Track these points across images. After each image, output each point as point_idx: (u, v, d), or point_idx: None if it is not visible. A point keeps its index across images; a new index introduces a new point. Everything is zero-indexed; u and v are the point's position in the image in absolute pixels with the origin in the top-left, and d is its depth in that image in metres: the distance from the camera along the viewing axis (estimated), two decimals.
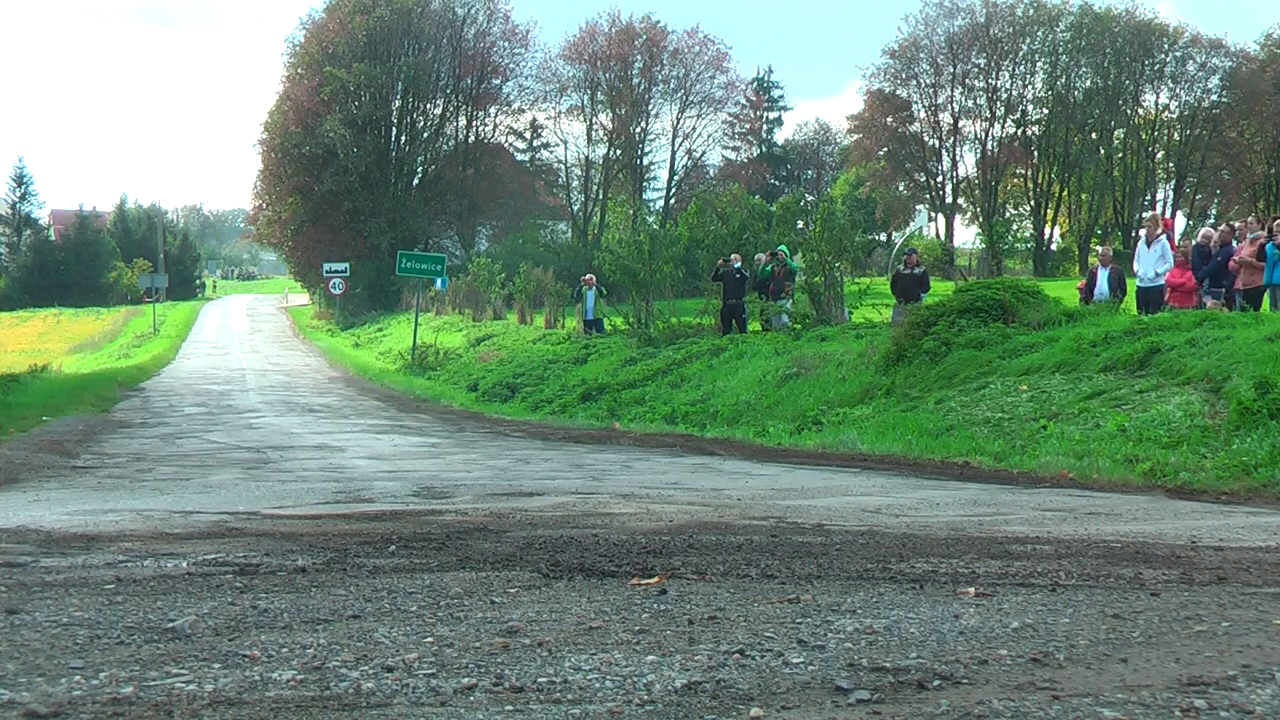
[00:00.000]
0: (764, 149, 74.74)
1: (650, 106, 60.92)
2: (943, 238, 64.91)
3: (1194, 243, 18.10)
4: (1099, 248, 24.02)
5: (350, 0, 57.03)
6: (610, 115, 60.84)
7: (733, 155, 67.47)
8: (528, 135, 64.46)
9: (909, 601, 3.96)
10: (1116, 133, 64.90)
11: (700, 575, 4.47)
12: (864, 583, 4.34)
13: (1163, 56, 62.78)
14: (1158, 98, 64.61)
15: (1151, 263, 17.74)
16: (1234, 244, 17.31)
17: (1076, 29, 62.07)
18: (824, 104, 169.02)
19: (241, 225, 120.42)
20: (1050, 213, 65.19)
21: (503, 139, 63.49)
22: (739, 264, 23.76)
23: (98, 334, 54.64)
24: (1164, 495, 8.27)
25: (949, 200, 65.71)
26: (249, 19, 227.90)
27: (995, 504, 7.50)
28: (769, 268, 23.18)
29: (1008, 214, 67.02)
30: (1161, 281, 17.56)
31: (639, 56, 59.88)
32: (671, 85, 60.62)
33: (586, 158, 62.47)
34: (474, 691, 2.80)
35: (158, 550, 5.20)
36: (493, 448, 13.18)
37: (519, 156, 64.41)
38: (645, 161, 62.49)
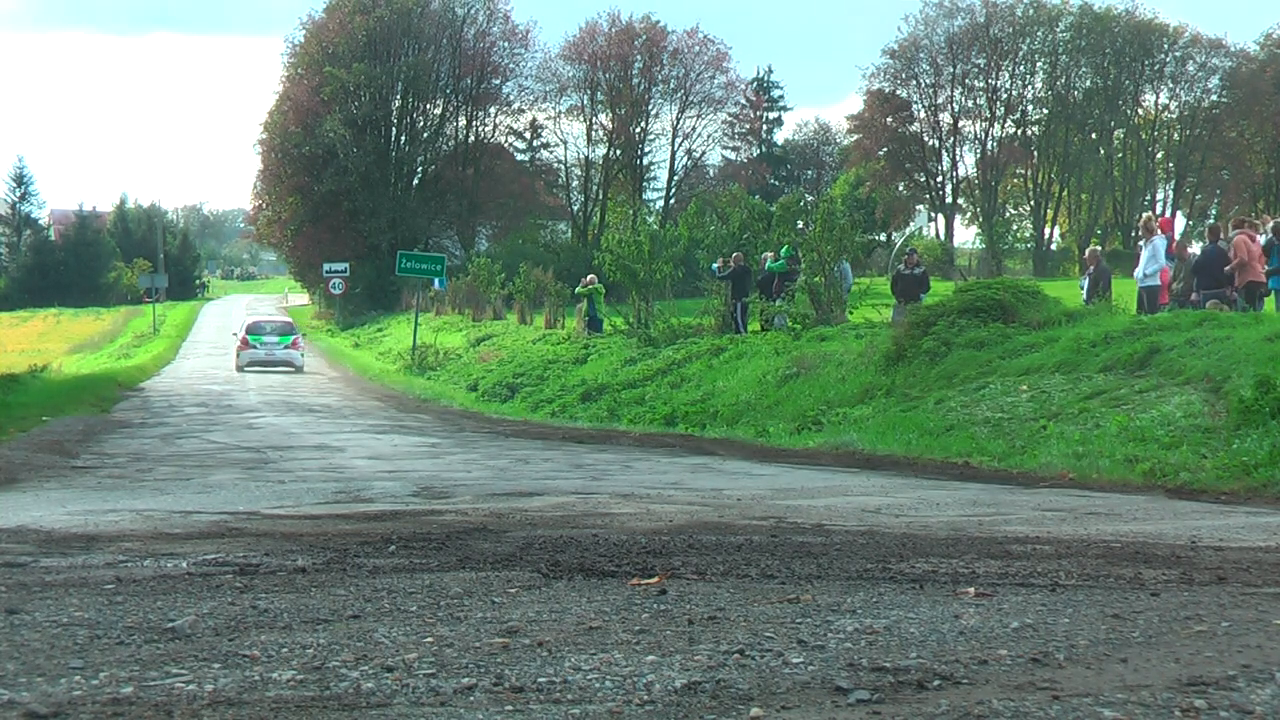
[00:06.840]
0: (764, 149, 74.68)
1: (650, 106, 60.92)
2: (943, 238, 64.91)
3: (1202, 245, 18.15)
4: (1094, 248, 24.05)
5: (350, 0, 57.03)
6: (610, 115, 60.82)
7: (732, 155, 67.52)
8: (528, 135, 64.47)
9: (909, 601, 3.96)
10: (1116, 133, 64.93)
11: (700, 575, 4.47)
12: (864, 583, 4.34)
13: (1162, 56, 62.79)
14: (1157, 98, 64.71)
15: (1144, 263, 17.84)
16: (1229, 244, 17.29)
17: (1076, 29, 62.10)
18: (825, 111, 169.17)
19: (241, 225, 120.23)
20: (1050, 213, 65.21)
21: (503, 139, 63.50)
22: (742, 263, 23.75)
23: (97, 334, 54.58)
24: (1164, 495, 8.27)
25: (949, 200, 65.72)
26: (249, 19, 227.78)
27: (995, 504, 7.50)
28: (782, 264, 23.01)
29: (1008, 214, 67.04)
30: (1156, 281, 17.62)
31: (639, 56, 59.84)
32: (671, 85, 60.60)
33: (586, 158, 62.48)
34: (474, 691, 2.79)
35: (158, 550, 5.20)
36: (493, 448, 13.18)
37: (519, 156, 64.37)
38: (645, 161, 62.53)
